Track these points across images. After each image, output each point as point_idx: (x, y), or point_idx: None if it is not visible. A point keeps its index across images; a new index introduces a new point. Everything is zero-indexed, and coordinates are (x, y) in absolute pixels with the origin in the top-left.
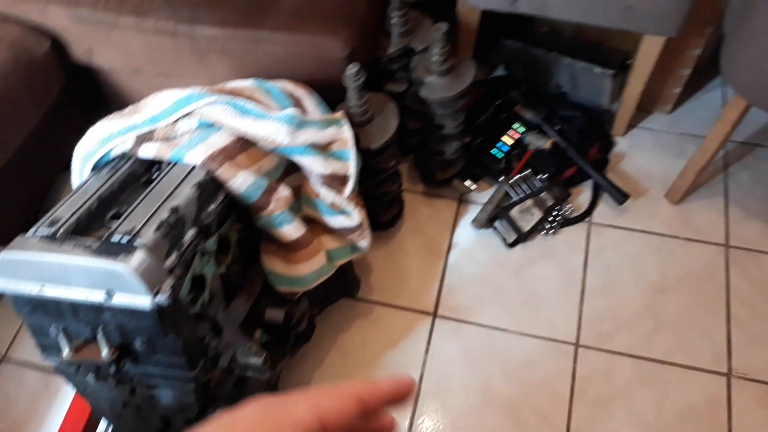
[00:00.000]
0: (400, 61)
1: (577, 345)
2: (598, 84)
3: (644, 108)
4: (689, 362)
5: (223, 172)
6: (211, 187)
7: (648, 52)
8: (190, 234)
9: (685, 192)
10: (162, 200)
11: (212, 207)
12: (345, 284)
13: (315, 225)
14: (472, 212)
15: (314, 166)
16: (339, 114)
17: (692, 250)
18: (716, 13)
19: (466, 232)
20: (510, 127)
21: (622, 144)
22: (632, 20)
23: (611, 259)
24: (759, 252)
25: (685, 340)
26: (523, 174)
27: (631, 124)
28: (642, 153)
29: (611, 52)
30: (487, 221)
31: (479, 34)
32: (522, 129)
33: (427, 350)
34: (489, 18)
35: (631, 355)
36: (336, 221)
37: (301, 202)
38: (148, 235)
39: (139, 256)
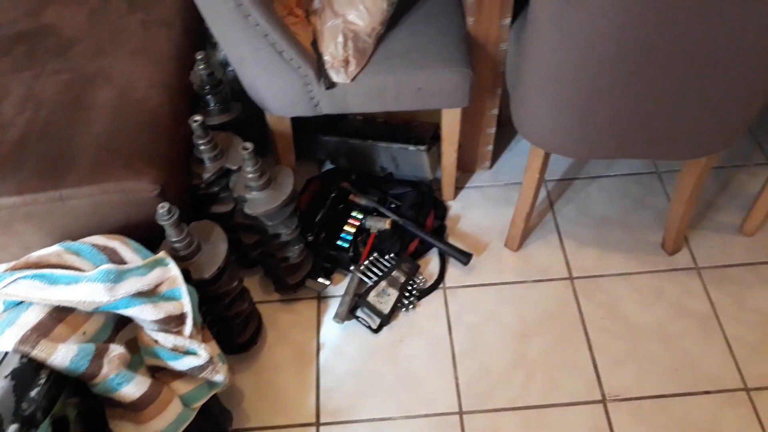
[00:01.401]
0: (219, 183)
1: (461, 413)
2: (416, 160)
3: (467, 169)
4: (566, 399)
5: (40, 352)
6: (28, 371)
7: (450, 122)
8: (11, 431)
9: (521, 238)
10: None
11: (34, 393)
12: (215, 421)
13: (162, 372)
14: (333, 307)
15: (144, 314)
16: (161, 254)
17: (541, 290)
18: (499, 75)
19: (331, 328)
20: (350, 216)
21: (455, 207)
22: (425, 100)
23: (472, 319)
24: (599, 276)
25: (557, 379)
26: (371, 258)
27: (459, 187)
28: (475, 211)
29: (422, 127)
30: (348, 313)
31: (301, 135)
32: (360, 215)
33: None
34: (303, 120)
35: (513, 408)
36: (182, 364)
37: (141, 354)
38: None
39: None
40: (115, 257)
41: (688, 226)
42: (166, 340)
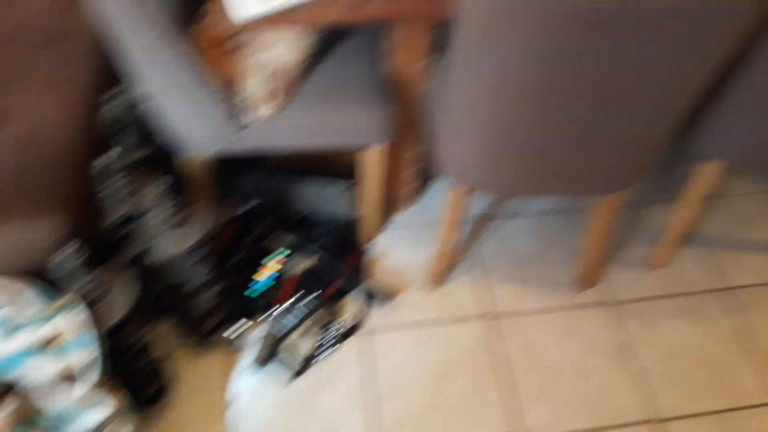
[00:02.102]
0: (130, 223)
1: None
2: (339, 198)
3: (390, 207)
4: None
5: None
6: None
7: (372, 160)
8: None
9: (443, 274)
10: None
11: None
12: None
13: None
14: (249, 355)
15: (41, 369)
16: (66, 299)
17: (464, 328)
18: (419, 113)
19: (246, 379)
20: (271, 257)
21: (377, 245)
22: (347, 138)
23: (394, 360)
24: (517, 313)
25: (479, 419)
26: (293, 299)
27: (382, 225)
28: (398, 249)
29: (345, 165)
30: (267, 358)
31: (220, 172)
32: (282, 254)
33: None
34: (223, 157)
35: None
36: (84, 422)
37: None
38: None
39: None
40: (14, 302)
41: (601, 261)
42: (70, 392)
